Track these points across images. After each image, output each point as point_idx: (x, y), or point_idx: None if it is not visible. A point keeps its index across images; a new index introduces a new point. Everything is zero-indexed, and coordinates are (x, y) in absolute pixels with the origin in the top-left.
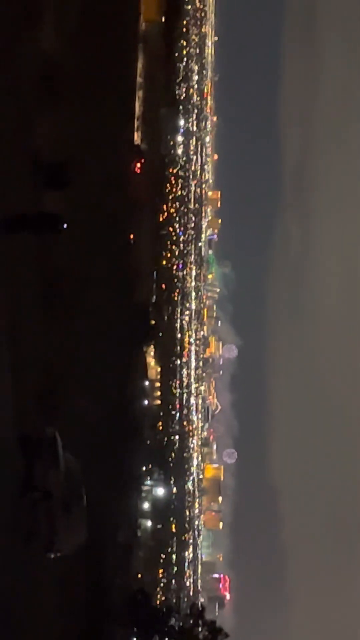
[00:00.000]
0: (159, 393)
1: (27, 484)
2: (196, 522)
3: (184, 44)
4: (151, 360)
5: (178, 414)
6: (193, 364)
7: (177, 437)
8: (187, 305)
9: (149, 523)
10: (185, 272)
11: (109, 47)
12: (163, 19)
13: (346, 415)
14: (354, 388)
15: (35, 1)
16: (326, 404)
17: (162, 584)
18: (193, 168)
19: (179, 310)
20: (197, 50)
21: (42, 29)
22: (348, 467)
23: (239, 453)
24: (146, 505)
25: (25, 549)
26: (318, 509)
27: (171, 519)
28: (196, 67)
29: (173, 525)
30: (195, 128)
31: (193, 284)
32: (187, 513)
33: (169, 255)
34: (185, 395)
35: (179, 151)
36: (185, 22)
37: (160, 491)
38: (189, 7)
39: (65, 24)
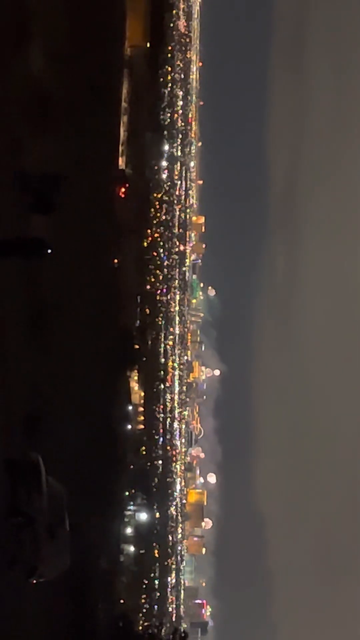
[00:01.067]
0: (142, 417)
1: (10, 509)
2: (179, 547)
3: (169, 69)
4: (135, 385)
5: (161, 439)
6: (177, 388)
7: (160, 461)
8: (171, 329)
9: (131, 548)
10: (169, 297)
11: (95, 72)
12: (148, 45)
13: (332, 442)
14: (340, 414)
15: (23, 26)
16: (312, 430)
17: (144, 610)
18: (177, 193)
19: (162, 335)
20: (182, 76)
21: (29, 53)
22: (334, 494)
23: (223, 478)
24: (129, 530)
25: (7, 574)
26: (304, 536)
27: (154, 544)
28: (181, 93)
29: (156, 551)
30: (179, 153)
31: (177, 308)
32: (170, 538)
33: (153, 279)
34: (168, 419)
35: (164, 176)
36: (170, 47)
37: (143, 516)
38: (174, 32)
39: (53, 49)
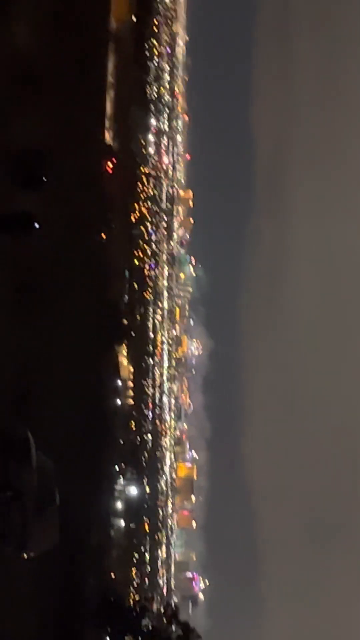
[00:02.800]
0: (131, 392)
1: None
2: (169, 521)
3: (155, 42)
4: (123, 360)
5: (151, 413)
6: (166, 363)
7: (150, 436)
8: (160, 304)
9: (122, 522)
10: (157, 272)
11: (80, 46)
12: (134, 18)
13: (321, 416)
14: (330, 390)
15: (8, 1)
16: (301, 405)
17: (135, 584)
18: (165, 167)
19: (151, 310)
20: (168, 50)
21: (13, 27)
22: (324, 468)
23: (212, 454)
24: (119, 505)
25: None
26: (293, 509)
27: (144, 518)
28: (167, 66)
29: (146, 525)
30: (166, 127)
31: (165, 283)
32: (160, 512)
33: (141, 254)
34: (157, 394)
35: (151, 150)
36: (156, 20)
37: (133, 490)
38: (160, 6)
39: (37, 23)
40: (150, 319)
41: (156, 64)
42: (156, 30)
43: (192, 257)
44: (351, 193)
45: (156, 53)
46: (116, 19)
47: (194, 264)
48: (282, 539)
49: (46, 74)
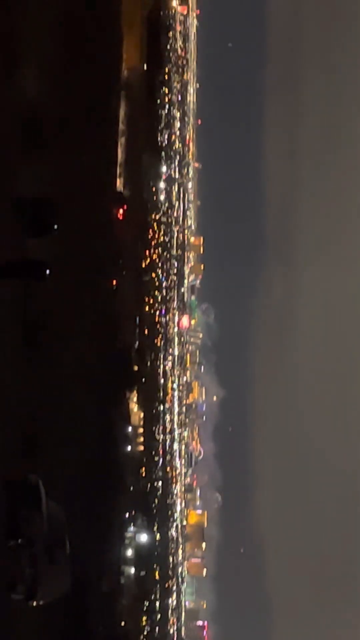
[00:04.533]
0: (142, 439)
1: (9, 531)
2: (180, 569)
3: (166, 90)
4: (134, 406)
5: (161, 460)
6: (176, 409)
7: (160, 483)
8: (170, 350)
9: (132, 570)
10: (168, 318)
11: (92, 94)
12: (145, 66)
13: (332, 465)
14: (340, 437)
15: (19, 48)
16: (311, 455)
17: (145, 632)
18: (175, 214)
19: (161, 356)
20: (179, 97)
21: (25, 75)
22: (334, 518)
23: (223, 502)
24: (129, 552)
25: (7, 596)
26: (303, 559)
27: (154, 565)
28: (178, 114)
29: (156, 572)
30: (177, 174)
31: (176, 329)
32: (171, 560)
33: (151, 301)
34: (168, 441)
35: (162, 197)
36: (167, 69)
37: (143, 538)
38: (171, 54)
39: (49, 71)
40: (161, 365)
41: (167, 112)
42: (167, 78)
43: (203, 305)
44: None
45: (167, 101)
46: (128, 67)
47: (204, 311)
48: (292, 588)
49: (57, 122)
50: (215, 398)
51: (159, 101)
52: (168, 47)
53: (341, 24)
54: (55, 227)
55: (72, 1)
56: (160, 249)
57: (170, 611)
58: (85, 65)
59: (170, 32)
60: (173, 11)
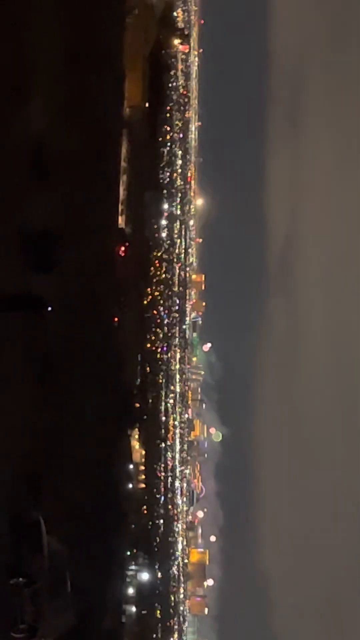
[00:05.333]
0: (143, 476)
1: (11, 569)
2: (181, 608)
3: (168, 128)
4: (136, 444)
5: (163, 498)
6: (178, 447)
7: (162, 521)
8: (172, 387)
9: (133, 609)
10: (169, 355)
11: (94, 132)
12: (147, 105)
13: (338, 502)
14: (343, 475)
15: (24, 86)
16: (316, 492)
17: None
18: (177, 251)
19: (163, 393)
20: (181, 135)
21: (31, 111)
22: (342, 556)
23: (225, 541)
24: (131, 591)
25: (8, 635)
26: (308, 598)
27: (156, 604)
28: (180, 152)
29: (158, 611)
30: (179, 212)
31: (177, 366)
32: (172, 598)
33: (153, 338)
34: (170, 478)
35: (163, 234)
36: (168, 107)
37: (145, 576)
38: (173, 92)
39: (54, 108)
40: (163, 402)
41: (169, 149)
42: (169, 116)
43: (206, 343)
44: None
45: (169, 138)
46: (130, 105)
47: (206, 349)
48: (297, 628)
49: (61, 159)
50: (215, 434)
51: (160, 139)
52: (170, 85)
53: (346, 66)
54: (58, 262)
55: (77, 40)
56: (161, 285)
57: None
58: (89, 103)
59: (172, 71)
60: (175, 50)
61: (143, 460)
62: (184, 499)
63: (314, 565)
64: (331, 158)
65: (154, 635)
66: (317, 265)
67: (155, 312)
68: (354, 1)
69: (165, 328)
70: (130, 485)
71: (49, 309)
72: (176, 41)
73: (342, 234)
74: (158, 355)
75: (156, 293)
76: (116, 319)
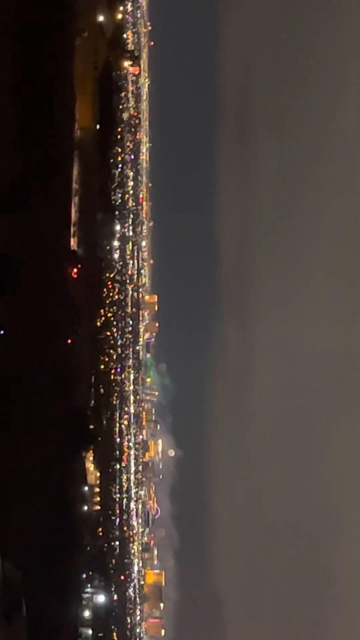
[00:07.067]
0: (98, 498)
1: None
2: (138, 630)
3: (119, 150)
4: (90, 465)
5: (118, 519)
6: (133, 468)
7: (117, 542)
8: (126, 409)
9: (89, 631)
10: (123, 376)
11: (45, 154)
12: (97, 126)
13: (290, 523)
14: (297, 495)
15: None
16: (270, 512)
17: None
18: (130, 272)
19: (117, 414)
20: (132, 157)
21: None
22: (292, 576)
23: (180, 562)
24: (87, 613)
25: None
26: (264, 617)
27: (112, 626)
28: (131, 173)
29: (114, 633)
30: (131, 233)
31: (131, 387)
32: (129, 620)
33: (106, 359)
34: (125, 500)
35: (116, 256)
36: (119, 129)
37: (100, 598)
38: (123, 114)
39: (4, 132)
40: (117, 423)
41: (120, 171)
42: (120, 138)
43: (160, 365)
44: (315, 295)
45: (120, 160)
46: (80, 127)
47: (161, 371)
48: None
49: (11, 182)
50: (171, 454)
51: (111, 160)
52: (120, 107)
53: (293, 87)
54: (9, 285)
55: (26, 62)
56: (114, 307)
57: None
58: (39, 126)
59: (123, 92)
60: (125, 71)
61: (98, 482)
62: (140, 521)
63: (268, 586)
64: (281, 176)
65: None
66: (268, 286)
67: (108, 333)
68: (299, 13)
69: (119, 349)
70: (85, 507)
71: (1, 332)
72: (126, 63)
73: (292, 254)
74: (112, 377)
75: (109, 314)
76: (69, 341)
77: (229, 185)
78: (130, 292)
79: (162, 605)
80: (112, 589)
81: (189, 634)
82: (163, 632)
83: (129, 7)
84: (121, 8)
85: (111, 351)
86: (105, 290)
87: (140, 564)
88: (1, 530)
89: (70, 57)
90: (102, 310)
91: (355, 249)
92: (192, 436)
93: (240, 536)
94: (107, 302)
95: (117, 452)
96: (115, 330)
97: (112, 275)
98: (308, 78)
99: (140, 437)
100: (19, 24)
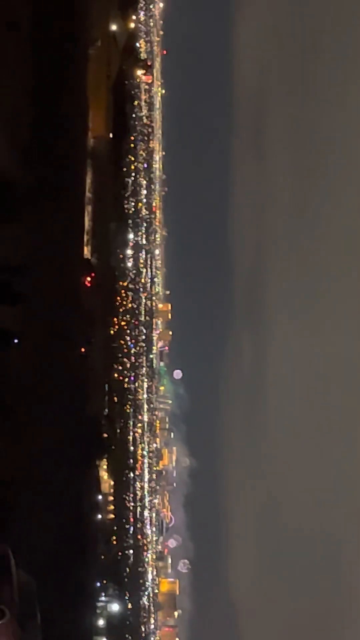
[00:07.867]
0: (112, 507)
1: None
2: (152, 638)
3: (132, 159)
4: (104, 474)
5: (132, 528)
6: (146, 476)
7: (131, 551)
8: (140, 417)
9: None
10: (137, 385)
11: (59, 162)
12: (111, 135)
13: (306, 532)
14: (313, 505)
15: None
16: (284, 522)
17: None
18: (143, 281)
19: (131, 423)
20: (145, 165)
21: None
22: (312, 586)
23: (195, 572)
24: (101, 622)
25: None
26: (278, 628)
27: (126, 635)
28: (144, 182)
29: None
30: (144, 241)
31: (145, 396)
32: (143, 629)
33: (120, 367)
34: (139, 508)
35: (129, 264)
36: (132, 137)
37: (115, 607)
38: (137, 123)
39: (18, 140)
40: (131, 432)
41: (133, 179)
42: (133, 147)
43: (175, 370)
44: (329, 305)
45: (133, 168)
46: (94, 136)
47: (174, 380)
48: None
49: (26, 190)
50: (185, 464)
51: (125, 169)
52: (133, 115)
53: (308, 94)
54: (24, 294)
55: (39, 72)
56: (128, 315)
57: None
58: (53, 134)
59: (136, 101)
60: (138, 80)
61: (112, 490)
62: (153, 529)
63: (282, 596)
64: (296, 184)
65: None
66: (282, 294)
67: (122, 341)
68: (311, 26)
69: (132, 358)
70: (100, 516)
71: (15, 340)
72: (139, 72)
73: (307, 264)
74: (125, 385)
75: (123, 323)
76: (83, 350)
77: (243, 193)
78: (144, 301)
79: (176, 613)
80: (126, 597)
81: None
82: None
83: (142, 16)
84: (134, 17)
85: (125, 360)
86: (118, 298)
87: (154, 573)
88: (16, 539)
89: (83, 66)
90: (115, 319)
91: None
92: (206, 445)
93: (254, 545)
94: (121, 310)
95: (131, 461)
96: (128, 338)
97: (125, 284)
98: (323, 86)
99: (154, 445)
100: (31, 34)
